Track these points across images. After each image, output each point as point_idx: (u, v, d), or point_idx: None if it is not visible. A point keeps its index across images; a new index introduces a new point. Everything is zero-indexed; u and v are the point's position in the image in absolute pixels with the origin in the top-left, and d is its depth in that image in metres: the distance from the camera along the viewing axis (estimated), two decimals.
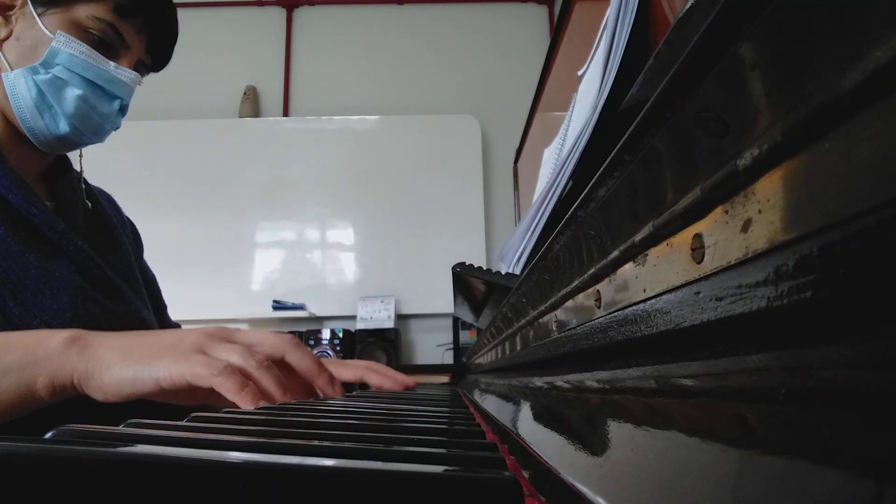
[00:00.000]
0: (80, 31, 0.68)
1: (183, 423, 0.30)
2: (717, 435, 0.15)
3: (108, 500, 0.15)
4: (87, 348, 0.50)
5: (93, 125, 0.71)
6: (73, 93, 0.68)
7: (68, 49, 0.67)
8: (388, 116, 3.22)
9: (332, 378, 0.61)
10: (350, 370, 0.74)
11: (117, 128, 0.76)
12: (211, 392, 0.51)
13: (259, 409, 0.43)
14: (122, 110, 0.75)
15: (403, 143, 3.16)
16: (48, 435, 0.21)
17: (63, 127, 0.69)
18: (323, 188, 3.12)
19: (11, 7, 0.67)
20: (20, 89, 0.67)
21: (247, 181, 3.11)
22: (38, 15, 0.67)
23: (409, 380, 0.79)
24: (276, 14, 3.43)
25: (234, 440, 0.24)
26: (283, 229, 3.11)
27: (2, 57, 0.67)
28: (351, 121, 3.22)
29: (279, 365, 0.56)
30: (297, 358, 0.58)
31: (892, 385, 0.10)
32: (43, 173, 0.77)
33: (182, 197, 3.06)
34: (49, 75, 0.67)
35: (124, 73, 0.71)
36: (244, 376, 0.50)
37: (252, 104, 3.26)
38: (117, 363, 0.49)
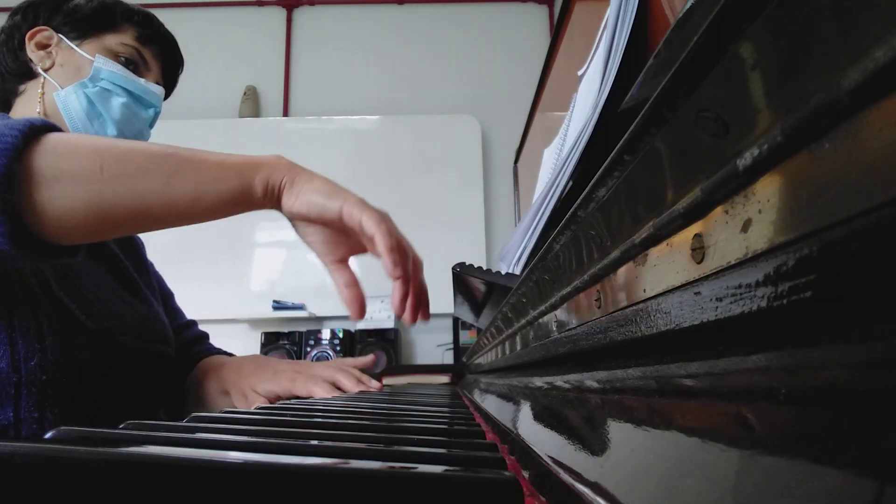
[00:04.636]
0: (111, 55, 0.80)
1: (183, 423, 0.30)
2: (716, 435, 0.15)
3: (108, 500, 0.15)
4: (296, 165, 0.60)
5: (134, 130, 0.83)
6: (117, 101, 0.80)
7: (108, 67, 0.79)
8: (388, 116, 3.22)
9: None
10: (325, 376, 0.86)
11: (147, 140, 0.87)
12: (348, 249, 0.64)
13: (258, 408, 0.43)
14: (152, 121, 0.85)
15: (403, 143, 3.16)
16: (48, 435, 0.21)
17: (111, 131, 0.80)
18: None
19: (48, 46, 0.78)
20: (72, 102, 0.78)
21: None
22: (76, 46, 0.79)
23: (375, 384, 0.91)
24: (276, 14, 3.43)
25: (234, 440, 0.24)
26: (283, 229, 3.06)
27: (51, 81, 0.78)
28: (351, 121, 3.22)
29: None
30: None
31: (892, 385, 0.10)
32: None
33: None
34: (97, 88, 0.78)
35: (153, 86, 0.84)
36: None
37: (252, 104, 3.26)
38: (318, 184, 0.58)
